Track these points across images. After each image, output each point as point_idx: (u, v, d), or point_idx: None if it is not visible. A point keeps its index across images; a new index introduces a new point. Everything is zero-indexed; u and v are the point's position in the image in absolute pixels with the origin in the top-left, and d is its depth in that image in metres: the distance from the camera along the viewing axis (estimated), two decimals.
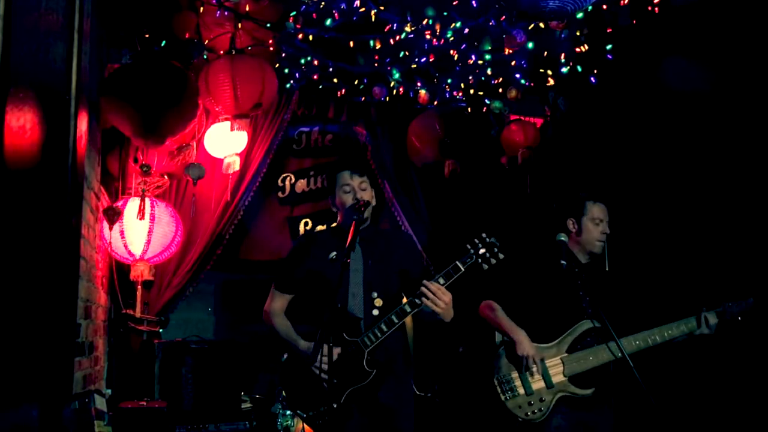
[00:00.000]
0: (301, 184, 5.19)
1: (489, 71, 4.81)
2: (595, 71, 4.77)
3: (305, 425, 3.05)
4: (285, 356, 2.97)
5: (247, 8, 4.20)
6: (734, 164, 4.16)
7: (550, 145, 5.21)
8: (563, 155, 5.19)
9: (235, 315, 5.69)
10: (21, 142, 1.62)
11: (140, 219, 4.07)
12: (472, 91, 5.09)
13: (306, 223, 5.16)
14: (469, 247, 2.69)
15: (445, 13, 4.30)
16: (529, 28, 4.42)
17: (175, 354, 4.03)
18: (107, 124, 3.94)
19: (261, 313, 3.11)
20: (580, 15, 4.22)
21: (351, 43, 4.54)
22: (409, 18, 4.29)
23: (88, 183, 3.54)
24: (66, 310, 1.98)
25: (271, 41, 4.48)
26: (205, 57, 4.32)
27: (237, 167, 4.50)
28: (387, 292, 2.89)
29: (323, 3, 4.21)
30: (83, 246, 3.39)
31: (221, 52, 4.31)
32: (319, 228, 5.10)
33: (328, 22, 4.33)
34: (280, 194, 5.17)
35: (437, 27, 4.32)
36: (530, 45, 4.52)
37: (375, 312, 2.84)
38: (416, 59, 4.69)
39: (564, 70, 4.75)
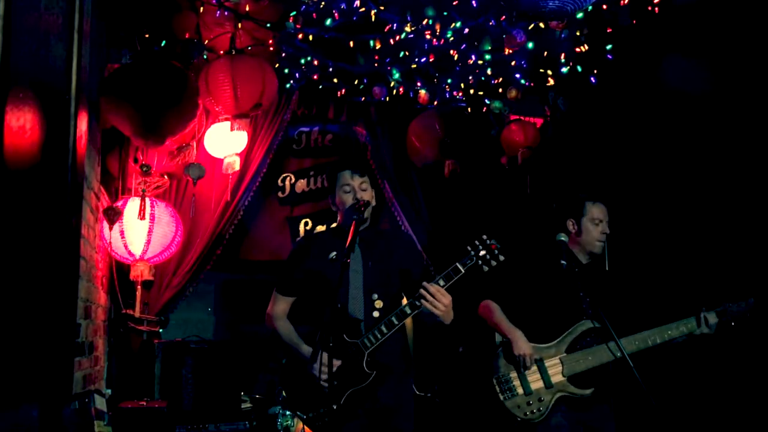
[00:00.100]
0: (301, 184, 5.19)
1: (489, 71, 4.81)
2: (595, 71, 4.77)
3: (305, 426, 3.05)
4: (285, 358, 2.97)
5: (247, 8, 4.20)
6: (734, 164, 4.16)
7: (550, 145, 5.21)
8: (563, 155, 5.19)
9: (235, 315, 5.69)
10: (21, 142, 1.62)
11: (141, 219, 4.07)
12: (472, 91, 5.09)
13: (306, 223, 5.16)
14: (469, 248, 2.69)
15: (445, 13, 4.30)
16: (529, 28, 4.42)
17: (175, 354, 4.03)
18: (107, 124, 3.94)
19: (261, 313, 3.11)
20: (580, 15, 4.22)
21: (351, 43, 4.54)
22: (409, 18, 4.29)
23: (88, 183, 3.54)
24: (66, 310, 1.98)
25: (271, 41, 4.48)
26: (205, 57, 4.32)
27: (237, 167, 4.50)
28: (387, 294, 2.89)
29: (323, 3, 4.21)
30: (83, 246, 3.39)
31: (221, 52, 4.31)
32: (319, 228, 5.10)
33: (328, 22, 4.33)
34: (280, 194, 5.17)
35: (437, 27, 4.31)
36: (530, 45, 4.51)
37: (375, 313, 2.84)
38: (416, 59, 4.69)
39: (564, 70, 4.75)
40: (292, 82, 4.81)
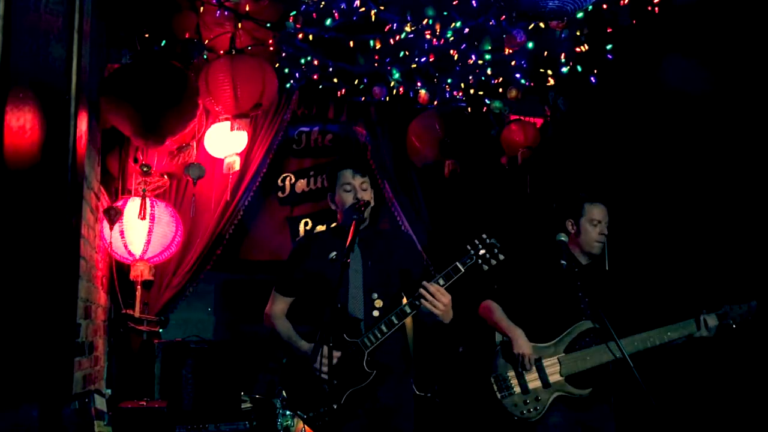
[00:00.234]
0: (301, 184, 5.19)
1: (489, 71, 4.81)
2: (595, 71, 4.77)
3: (306, 426, 3.05)
4: (285, 357, 2.97)
5: (247, 8, 4.20)
6: (735, 164, 4.16)
7: (550, 145, 5.21)
8: (563, 155, 5.19)
9: (235, 315, 5.69)
10: (21, 142, 1.62)
11: (141, 219, 4.07)
12: (472, 91, 5.09)
13: (306, 223, 5.16)
14: (469, 248, 2.69)
15: (445, 13, 4.29)
16: (529, 28, 4.42)
17: (175, 354, 4.04)
18: (107, 124, 3.94)
19: (261, 313, 3.11)
20: (580, 15, 4.22)
21: (351, 43, 4.54)
22: (409, 18, 4.29)
23: (88, 183, 3.54)
24: (66, 310, 1.98)
25: (271, 41, 4.48)
26: (205, 57, 4.32)
27: (237, 167, 4.50)
28: (387, 293, 2.89)
29: (323, 3, 4.21)
30: (83, 246, 3.39)
31: (221, 52, 4.31)
32: (319, 228, 5.10)
33: (328, 22, 4.33)
34: (280, 194, 5.17)
35: (437, 27, 4.31)
36: (530, 45, 4.51)
37: (375, 313, 2.84)
38: (416, 59, 4.69)
39: (564, 70, 4.75)
40: (292, 82, 4.81)
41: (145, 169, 4.29)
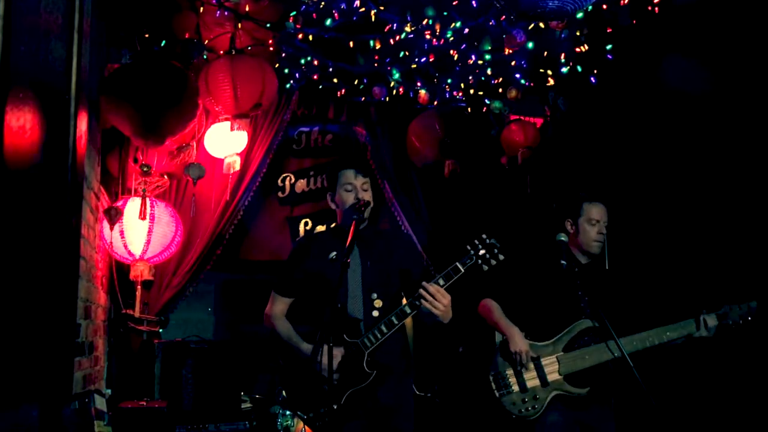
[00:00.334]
0: (301, 184, 5.19)
1: (489, 71, 4.81)
2: (595, 71, 4.77)
3: (306, 426, 3.05)
4: (286, 358, 2.97)
5: (247, 8, 4.20)
6: (735, 164, 4.16)
7: (550, 145, 5.21)
8: (563, 155, 5.19)
9: (235, 315, 5.69)
10: (21, 142, 1.62)
11: (141, 219, 4.07)
12: (472, 91, 5.09)
13: (306, 223, 5.16)
14: (469, 248, 2.69)
15: (445, 13, 4.29)
16: (529, 28, 4.42)
17: (175, 354, 4.03)
18: (107, 124, 3.94)
19: (261, 313, 3.11)
20: (580, 15, 4.21)
21: (351, 43, 4.54)
22: (409, 18, 4.29)
23: (88, 183, 3.54)
24: (66, 310, 1.98)
25: (271, 41, 4.48)
26: (205, 57, 4.32)
27: (237, 167, 4.50)
28: (386, 293, 2.89)
29: (323, 3, 4.21)
30: (83, 246, 3.39)
31: (221, 52, 4.30)
32: (319, 228, 5.10)
33: (328, 22, 4.33)
34: (280, 194, 5.17)
35: (437, 27, 4.31)
36: (530, 45, 4.51)
37: (375, 313, 2.84)
38: (416, 59, 4.69)
39: (564, 70, 4.75)
40: (292, 82, 4.81)
41: (145, 169, 4.28)
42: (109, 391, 4.19)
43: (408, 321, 2.79)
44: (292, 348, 2.93)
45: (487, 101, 5.17)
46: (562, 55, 4.68)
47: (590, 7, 3.77)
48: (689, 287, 4.04)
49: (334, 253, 2.92)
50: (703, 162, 4.29)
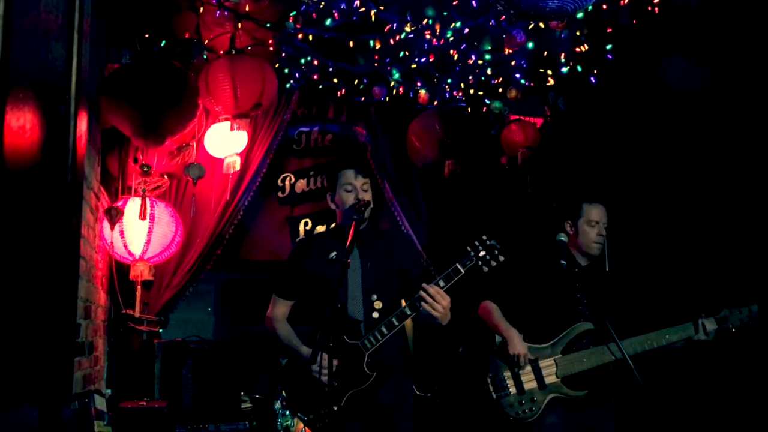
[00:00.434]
0: (301, 184, 5.19)
1: (489, 71, 4.81)
2: (595, 71, 4.76)
3: (306, 427, 3.05)
4: (286, 359, 2.97)
5: (247, 8, 4.20)
6: (735, 165, 4.16)
7: (550, 145, 5.21)
8: (563, 155, 5.18)
9: (235, 315, 5.69)
10: (21, 142, 1.62)
11: (141, 219, 4.07)
12: (472, 91, 5.09)
13: (306, 223, 5.15)
14: (469, 249, 2.69)
15: (445, 13, 4.29)
16: (529, 28, 4.42)
17: (175, 354, 4.04)
18: (107, 124, 3.94)
19: (261, 313, 3.10)
20: (580, 15, 4.21)
21: (351, 43, 4.54)
22: (409, 18, 4.29)
23: (88, 183, 3.54)
24: (66, 310, 1.98)
25: (271, 41, 4.48)
26: (205, 57, 4.32)
27: (237, 167, 4.50)
28: (386, 294, 2.88)
29: (323, 3, 4.21)
30: (83, 246, 3.39)
31: (221, 52, 4.30)
32: (319, 228, 5.10)
33: (328, 22, 4.32)
34: (280, 194, 5.17)
35: (437, 27, 4.31)
36: (530, 45, 4.51)
37: (375, 314, 2.83)
38: (416, 59, 4.69)
39: (564, 70, 4.75)
40: (292, 82, 4.81)
41: (145, 169, 4.28)
42: (109, 391, 4.19)
43: (408, 322, 2.79)
44: (291, 350, 2.93)
45: (487, 101, 5.17)
46: (562, 55, 4.68)
47: (590, 7, 3.76)
48: (690, 290, 4.03)
49: (334, 253, 2.91)
50: (704, 162, 4.29)
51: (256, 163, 4.80)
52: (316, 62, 4.69)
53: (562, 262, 3.05)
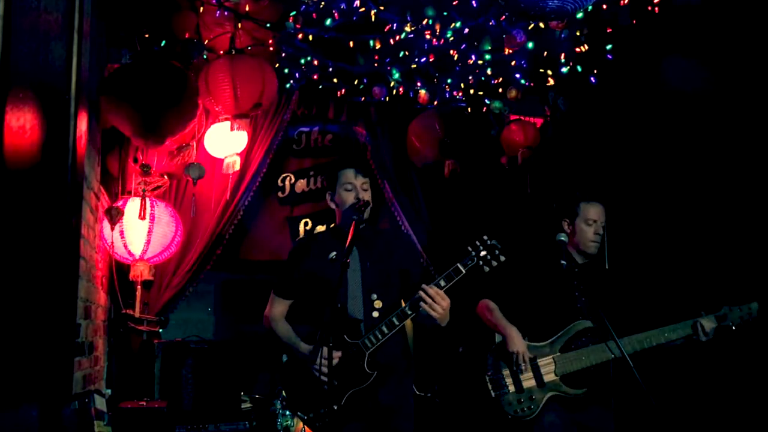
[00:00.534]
0: (301, 184, 5.19)
1: (489, 71, 4.81)
2: (595, 71, 4.76)
3: (306, 426, 3.05)
4: (286, 358, 2.97)
5: (247, 8, 4.20)
6: (735, 164, 4.16)
7: (550, 145, 5.21)
8: (563, 155, 5.19)
9: (235, 315, 5.68)
10: (21, 142, 1.62)
11: (141, 219, 4.07)
12: (472, 91, 5.09)
13: (306, 223, 5.15)
14: (470, 249, 2.69)
15: (445, 13, 4.29)
16: (529, 28, 4.42)
17: (175, 354, 4.04)
18: (107, 124, 3.94)
19: (261, 312, 3.10)
20: (580, 15, 4.21)
21: (351, 43, 4.54)
22: (409, 18, 4.29)
23: (88, 183, 3.54)
24: (66, 310, 1.98)
25: (271, 41, 4.48)
26: (205, 57, 4.32)
27: (237, 167, 4.50)
28: (386, 294, 2.88)
29: (323, 3, 4.21)
30: (83, 246, 3.39)
31: (221, 52, 4.30)
32: (319, 228, 5.10)
33: (328, 22, 4.32)
34: (280, 194, 5.17)
35: (437, 27, 4.31)
36: (530, 45, 4.51)
37: (375, 314, 2.84)
38: (416, 59, 4.69)
39: (564, 70, 4.74)
40: (292, 82, 4.80)
41: (145, 169, 4.28)
42: (109, 391, 4.19)
43: (408, 321, 2.79)
44: (291, 348, 2.93)
45: (487, 101, 5.17)
46: (562, 55, 4.67)
47: (590, 7, 3.77)
48: (689, 288, 4.04)
49: (334, 253, 2.91)
50: (704, 162, 4.29)
51: (256, 163, 4.80)
52: (316, 62, 4.69)
53: (562, 262, 3.05)
